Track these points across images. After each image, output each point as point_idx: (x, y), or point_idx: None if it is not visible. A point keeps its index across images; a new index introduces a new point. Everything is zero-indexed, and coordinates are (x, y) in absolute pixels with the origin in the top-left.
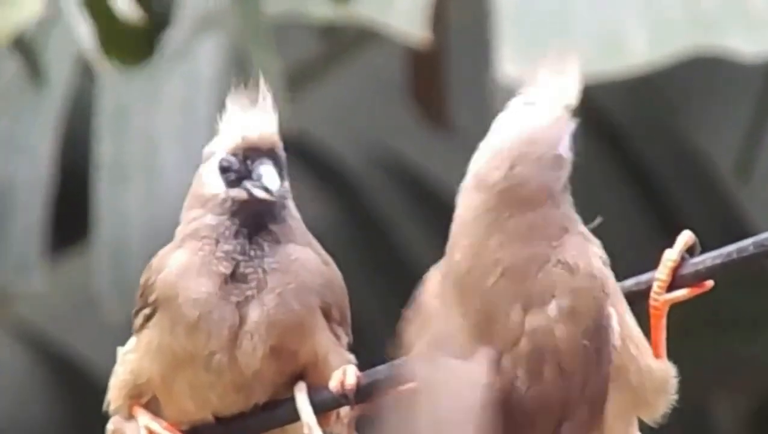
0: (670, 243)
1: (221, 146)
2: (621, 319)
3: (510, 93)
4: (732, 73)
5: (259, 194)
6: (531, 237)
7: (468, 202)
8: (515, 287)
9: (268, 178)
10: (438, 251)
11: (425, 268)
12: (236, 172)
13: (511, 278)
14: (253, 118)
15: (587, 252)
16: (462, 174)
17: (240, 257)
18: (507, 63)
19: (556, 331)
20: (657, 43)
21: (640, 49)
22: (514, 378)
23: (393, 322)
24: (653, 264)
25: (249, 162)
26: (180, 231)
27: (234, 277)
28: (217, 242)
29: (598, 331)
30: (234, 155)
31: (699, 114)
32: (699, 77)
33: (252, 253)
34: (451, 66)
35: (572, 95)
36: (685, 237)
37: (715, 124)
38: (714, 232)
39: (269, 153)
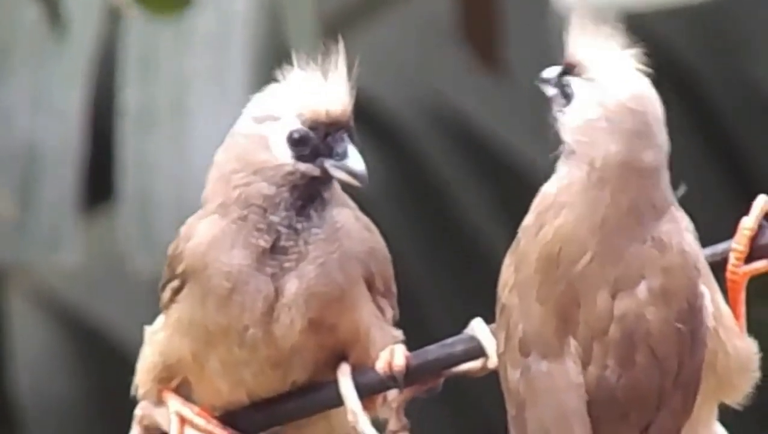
0: (747, 209)
1: (291, 114)
2: (713, 298)
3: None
4: None
5: (344, 177)
6: (629, 218)
7: (567, 173)
8: (604, 271)
9: (354, 160)
10: (497, 216)
11: (482, 236)
12: (312, 147)
13: (600, 261)
14: (333, 90)
15: (680, 226)
16: (518, 124)
17: (284, 230)
18: None
19: (648, 314)
20: None
21: None
22: (604, 368)
23: (447, 296)
24: (729, 232)
25: (329, 138)
26: (215, 193)
27: (273, 249)
28: (265, 211)
29: (692, 312)
30: (312, 128)
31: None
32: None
33: (298, 226)
34: (507, 4)
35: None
36: (762, 202)
37: None
38: None
39: (348, 129)
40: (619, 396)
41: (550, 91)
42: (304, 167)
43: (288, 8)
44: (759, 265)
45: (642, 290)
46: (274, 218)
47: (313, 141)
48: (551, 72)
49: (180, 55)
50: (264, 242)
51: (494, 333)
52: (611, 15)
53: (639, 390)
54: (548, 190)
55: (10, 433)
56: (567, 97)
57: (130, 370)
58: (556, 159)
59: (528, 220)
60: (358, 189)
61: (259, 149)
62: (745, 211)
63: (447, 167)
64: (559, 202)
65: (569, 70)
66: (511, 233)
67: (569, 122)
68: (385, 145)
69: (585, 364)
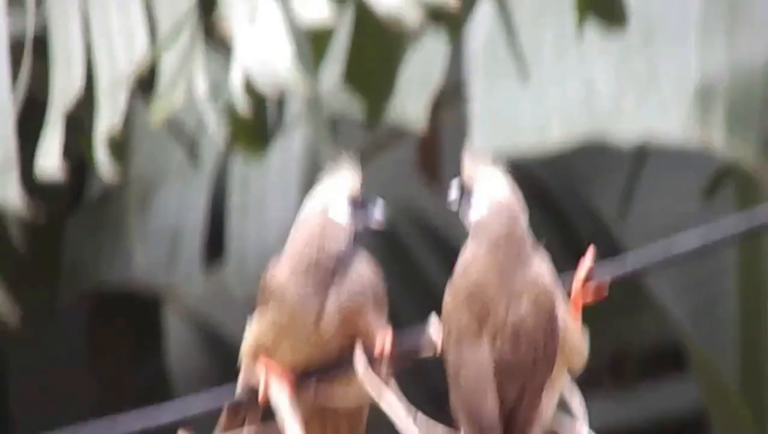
0: (576, 262)
1: (340, 197)
2: (562, 308)
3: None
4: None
5: (376, 224)
6: (514, 264)
7: (476, 242)
8: (502, 293)
9: (379, 211)
10: (444, 273)
11: (432, 281)
12: (357, 211)
13: (501, 288)
14: (356, 181)
15: (543, 265)
16: (453, 216)
17: (333, 271)
18: (477, 141)
19: (527, 319)
20: (566, 131)
21: (555, 134)
22: (503, 349)
23: (412, 313)
24: (568, 283)
25: (363, 204)
26: (290, 256)
27: (328, 281)
28: (323, 261)
29: (552, 316)
30: (354, 200)
31: (597, 180)
32: (593, 157)
33: (340, 268)
34: (444, 144)
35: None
36: (592, 251)
37: (606, 185)
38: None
39: (361, 201)
40: (512, 365)
41: (455, 204)
42: (355, 224)
43: (321, 147)
44: (587, 298)
45: (524, 304)
46: (331, 264)
47: (355, 210)
48: (454, 192)
49: (262, 174)
50: (322, 279)
51: (438, 333)
52: (496, 157)
53: (523, 361)
54: (468, 252)
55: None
56: (467, 202)
57: (237, 356)
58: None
59: (458, 270)
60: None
61: (325, 225)
62: (575, 262)
63: (416, 246)
64: (476, 260)
65: (466, 186)
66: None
67: (471, 216)
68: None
69: (492, 347)
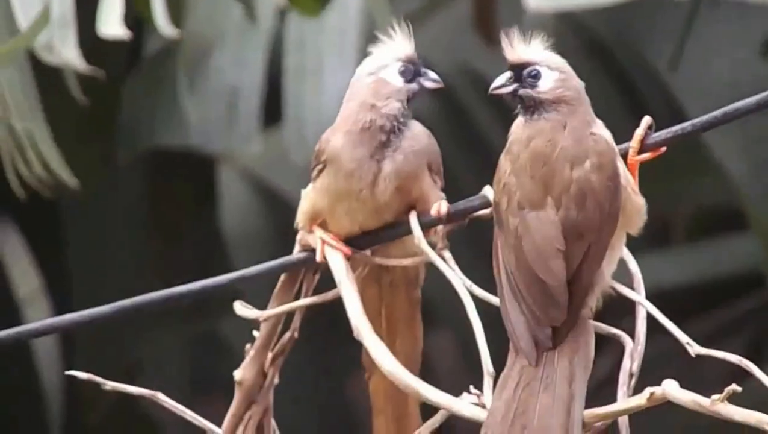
0: (637, 124)
1: (393, 61)
2: (623, 170)
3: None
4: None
5: (432, 84)
6: (574, 125)
7: (536, 116)
8: (566, 154)
9: (433, 75)
10: (500, 133)
11: (493, 146)
12: (409, 75)
13: (564, 151)
14: (409, 44)
15: (602, 129)
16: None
17: (390, 133)
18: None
19: (591, 177)
20: None
21: None
22: (569, 209)
23: (470, 175)
24: (628, 137)
25: (417, 67)
26: (345, 119)
27: (380, 145)
28: (380, 123)
29: (614, 176)
30: (408, 62)
31: (653, 35)
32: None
33: (396, 131)
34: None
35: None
36: (647, 120)
37: (664, 39)
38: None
39: (419, 63)
40: (578, 225)
41: (507, 89)
42: (409, 86)
43: (375, 11)
44: (646, 156)
45: (587, 164)
46: (386, 126)
47: (408, 71)
48: (501, 79)
49: (318, 36)
50: (378, 142)
51: (495, 199)
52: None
53: (589, 221)
54: (523, 120)
55: (221, 260)
56: (525, 83)
57: (293, 218)
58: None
59: (515, 137)
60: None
61: (378, 86)
62: (637, 125)
63: (472, 103)
64: (537, 126)
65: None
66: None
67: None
68: (435, 96)
69: (557, 209)
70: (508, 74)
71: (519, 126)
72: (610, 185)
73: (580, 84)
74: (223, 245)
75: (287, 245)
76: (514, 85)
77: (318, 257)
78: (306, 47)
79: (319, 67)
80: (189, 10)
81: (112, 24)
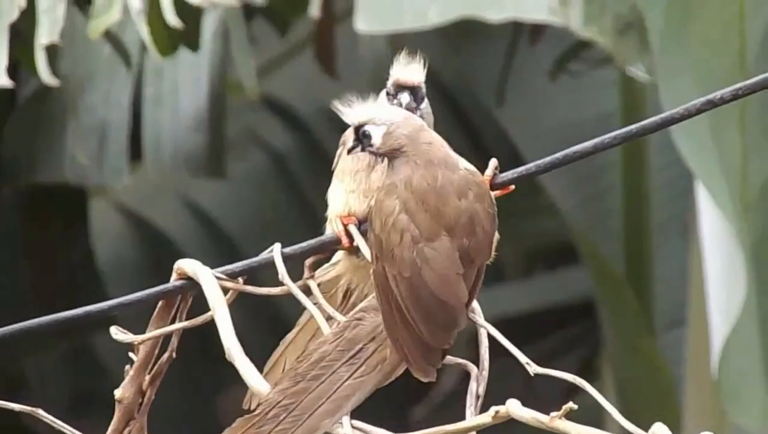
0: (484, 166)
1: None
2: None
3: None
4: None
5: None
6: (446, 163)
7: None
8: (450, 185)
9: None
10: None
11: None
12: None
13: (446, 183)
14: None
15: (465, 162)
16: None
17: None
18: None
19: (476, 207)
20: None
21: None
22: (462, 238)
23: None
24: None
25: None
26: None
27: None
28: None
29: (492, 205)
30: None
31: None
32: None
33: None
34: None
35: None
36: (493, 162)
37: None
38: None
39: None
40: (470, 251)
41: (356, 150)
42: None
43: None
44: (496, 193)
45: (470, 195)
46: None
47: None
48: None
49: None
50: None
51: (380, 237)
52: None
53: (479, 245)
54: (388, 166)
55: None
56: (363, 143)
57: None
58: None
59: (390, 177)
60: None
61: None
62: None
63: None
64: (405, 168)
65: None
66: None
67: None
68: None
69: (451, 238)
70: (353, 136)
71: (387, 172)
72: (490, 212)
73: (416, 123)
74: (94, 271)
75: (158, 272)
76: (359, 146)
77: (344, 242)
78: (163, 77)
79: (174, 91)
80: (63, 53)
81: None
